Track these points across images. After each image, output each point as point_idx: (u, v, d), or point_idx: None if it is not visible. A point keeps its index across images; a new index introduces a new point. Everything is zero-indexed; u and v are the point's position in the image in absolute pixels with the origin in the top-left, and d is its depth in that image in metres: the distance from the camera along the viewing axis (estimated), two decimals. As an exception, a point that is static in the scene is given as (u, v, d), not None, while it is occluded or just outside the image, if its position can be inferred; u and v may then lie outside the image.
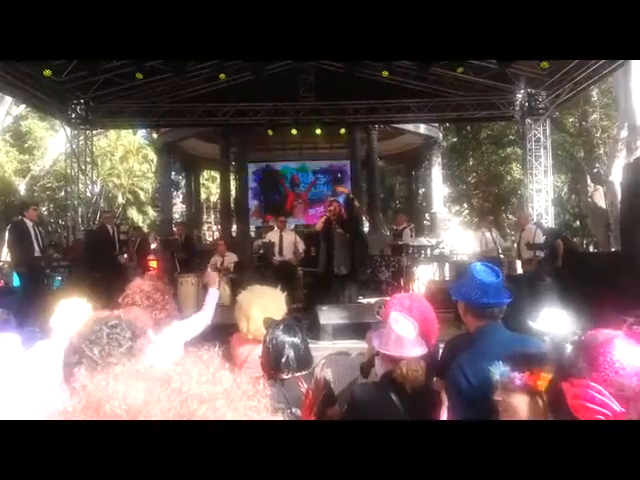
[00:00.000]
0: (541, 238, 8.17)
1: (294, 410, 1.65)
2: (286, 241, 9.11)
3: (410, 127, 14.43)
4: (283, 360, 2.32)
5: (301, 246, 9.10)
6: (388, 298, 3.45)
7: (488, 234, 9.57)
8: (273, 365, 2.34)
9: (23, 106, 16.22)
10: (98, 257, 8.69)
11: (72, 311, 2.66)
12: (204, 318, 3.20)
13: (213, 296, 3.41)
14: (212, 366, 0.62)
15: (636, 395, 0.71)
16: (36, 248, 7.59)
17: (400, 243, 9.47)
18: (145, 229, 18.67)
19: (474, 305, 2.22)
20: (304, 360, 2.40)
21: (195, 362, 0.62)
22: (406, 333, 2.37)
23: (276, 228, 9.47)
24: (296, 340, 2.39)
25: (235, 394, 0.59)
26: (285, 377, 2.32)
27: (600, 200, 13.31)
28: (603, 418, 0.73)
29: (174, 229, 12.90)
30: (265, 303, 2.99)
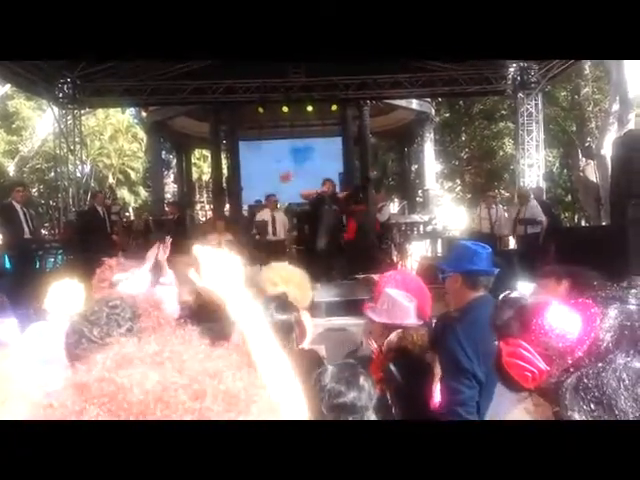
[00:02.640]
0: (537, 214, 8.14)
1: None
2: (278, 220, 9.11)
3: (402, 103, 14.31)
4: (280, 335, 2.37)
5: (286, 226, 9.17)
6: (375, 276, 3.49)
7: (493, 210, 9.24)
8: None
9: (9, 85, 15.90)
10: (90, 238, 8.66)
11: (65, 293, 2.67)
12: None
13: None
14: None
15: (560, 356, 0.80)
16: (26, 230, 7.54)
17: (386, 222, 9.47)
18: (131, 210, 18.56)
19: (469, 274, 2.28)
20: (301, 335, 2.46)
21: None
22: (408, 303, 2.43)
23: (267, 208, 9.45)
24: (291, 317, 2.43)
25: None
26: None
27: (591, 174, 13.34)
28: (530, 375, 0.83)
29: (166, 209, 12.84)
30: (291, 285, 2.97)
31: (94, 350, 1.02)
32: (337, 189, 8.86)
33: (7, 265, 8.14)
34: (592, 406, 0.72)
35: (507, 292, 1.17)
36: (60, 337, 2.22)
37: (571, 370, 0.77)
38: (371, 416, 1.52)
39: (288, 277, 3.04)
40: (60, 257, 8.92)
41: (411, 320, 2.42)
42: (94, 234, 8.76)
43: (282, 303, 2.56)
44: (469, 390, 2.10)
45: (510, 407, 1.02)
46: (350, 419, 1.49)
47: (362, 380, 1.60)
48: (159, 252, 3.33)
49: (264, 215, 9.20)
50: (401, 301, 2.44)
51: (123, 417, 0.49)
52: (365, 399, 1.55)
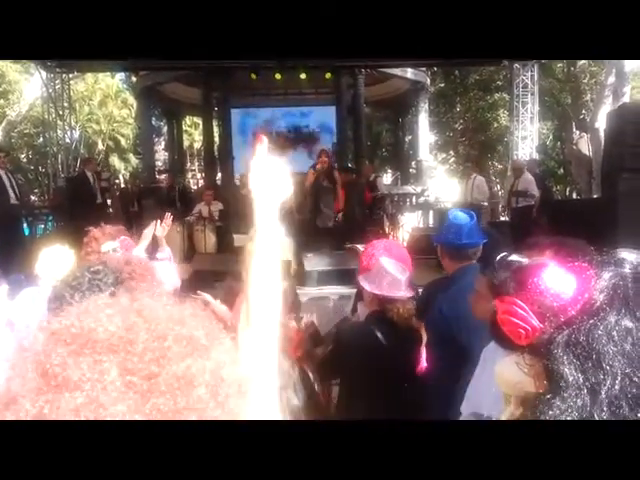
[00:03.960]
0: (531, 187, 8.14)
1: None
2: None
3: (397, 72, 14.08)
4: None
5: None
6: (360, 246, 3.50)
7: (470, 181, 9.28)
8: None
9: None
10: (79, 205, 8.58)
11: (55, 258, 2.67)
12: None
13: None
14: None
15: (553, 314, 0.82)
16: (12, 196, 7.42)
17: (379, 195, 9.40)
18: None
19: (450, 246, 2.34)
20: (292, 304, 2.48)
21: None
22: (400, 274, 2.44)
23: None
24: (284, 284, 2.45)
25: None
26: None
27: (584, 147, 13.33)
28: (523, 332, 0.85)
29: (157, 177, 12.71)
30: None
31: None
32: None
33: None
34: (581, 360, 0.75)
35: (504, 254, 1.20)
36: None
37: (563, 327, 0.80)
38: (289, 397, 1.50)
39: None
40: (50, 223, 8.86)
41: (402, 293, 2.43)
42: (84, 200, 8.67)
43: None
44: (451, 357, 2.15)
45: (501, 361, 1.04)
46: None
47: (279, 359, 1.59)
48: (156, 229, 3.33)
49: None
50: (393, 272, 2.45)
51: (88, 356, 0.51)
52: (281, 378, 1.54)
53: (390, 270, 2.45)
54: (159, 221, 3.36)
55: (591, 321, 0.77)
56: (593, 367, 0.74)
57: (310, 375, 2.28)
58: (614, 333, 0.75)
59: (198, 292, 2.91)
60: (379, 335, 2.38)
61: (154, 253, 3.30)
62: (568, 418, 0.73)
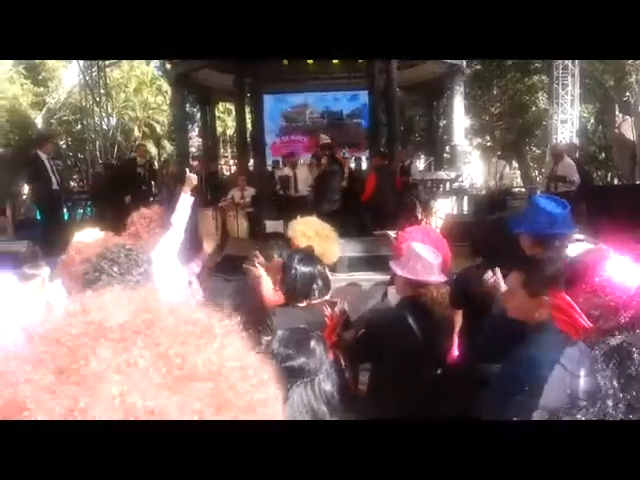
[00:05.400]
0: (571, 173, 7.88)
1: (318, 333, 1.74)
2: (300, 177, 9.03)
3: (432, 54, 13.79)
4: (314, 287, 2.42)
5: (309, 182, 9.05)
6: (391, 232, 3.47)
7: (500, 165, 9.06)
8: (294, 292, 2.44)
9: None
10: (121, 191, 8.75)
11: (91, 241, 2.74)
12: (171, 233, 2.92)
13: (182, 203, 3.05)
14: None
15: (605, 314, 0.76)
16: (54, 181, 7.67)
17: (412, 180, 9.26)
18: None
19: (540, 236, 2.24)
20: (324, 287, 2.49)
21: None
22: (433, 259, 2.42)
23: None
24: (316, 269, 2.46)
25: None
26: (305, 303, 2.42)
27: (628, 131, 12.81)
28: (573, 329, 0.83)
29: (192, 163, 12.87)
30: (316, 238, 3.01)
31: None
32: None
33: (37, 216, 8.36)
34: (619, 370, 0.66)
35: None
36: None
37: (618, 330, 0.71)
38: (322, 381, 1.50)
39: (319, 231, 3.08)
40: (89, 208, 9.10)
41: (434, 277, 2.40)
42: (126, 186, 8.82)
43: (307, 255, 2.59)
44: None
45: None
46: (298, 383, 1.47)
47: (313, 344, 1.57)
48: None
49: (287, 171, 9.17)
50: (426, 257, 2.42)
51: (89, 340, 0.50)
52: (315, 363, 1.52)
53: (422, 254, 2.43)
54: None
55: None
56: (632, 381, 0.64)
57: (342, 361, 2.29)
58: None
59: (256, 257, 2.90)
60: (411, 320, 2.36)
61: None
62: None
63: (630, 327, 0.69)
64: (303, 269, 2.44)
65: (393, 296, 2.72)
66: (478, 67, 19.38)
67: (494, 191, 8.64)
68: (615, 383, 0.65)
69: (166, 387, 0.49)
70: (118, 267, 1.45)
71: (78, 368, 0.48)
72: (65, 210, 8.54)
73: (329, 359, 1.59)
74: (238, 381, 0.53)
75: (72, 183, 15.99)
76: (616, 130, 13.51)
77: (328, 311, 2.33)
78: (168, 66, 18.13)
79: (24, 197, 9.70)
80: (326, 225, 3.20)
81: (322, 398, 1.46)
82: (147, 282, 1.46)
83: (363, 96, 14.58)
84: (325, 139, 8.39)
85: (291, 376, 1.46)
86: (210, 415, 0.49)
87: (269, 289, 2.81)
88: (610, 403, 0.64)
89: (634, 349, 0.65)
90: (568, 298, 0.82)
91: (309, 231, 3.07)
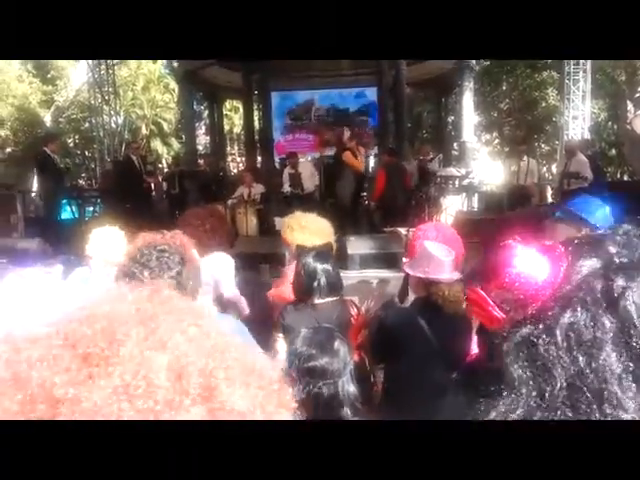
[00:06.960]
0: (583, 169, 7.81)
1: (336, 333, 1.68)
2: (304, 175, 9.01)
3: (441, 50, 13.69)
4: (315, 285, 2.37)
5: (316, 179, 9.05)
6: (402, 229, 3.43)
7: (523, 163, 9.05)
8: (305, 290, 2.40)
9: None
10: (127, 188, 8.78)
11: (106, 239, 2.71)
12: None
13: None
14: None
15: (516, 307, 0.77)
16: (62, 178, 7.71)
17: (438, 175, 9.30)
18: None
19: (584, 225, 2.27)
20: (335, 286, 2.45)
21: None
22: (444, 257, 2.36)
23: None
24: (328, 266, 2.42)
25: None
26: (316, 302, 2.38)
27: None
28: (487, 321, 0.89)
29: (199, 161, 12.87)
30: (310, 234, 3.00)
31: None
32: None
33: (48, 213, 8.37)
34: (529, 361, 0.68)
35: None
36: (102, 281, 2.26)
37: (526, 321, 0.70)
38: (345, 383, 1.45)
39: (305, 225, 3.05)
40: (99, 206, 9.11)
41: (446, 275, 2.34)
42: (131, 183, 8.86)
43: (318, 254, 2.54)
44: None
45: None
46: (320, 384, 1.44)
47: (337, 344, 1.53)
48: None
49: (290, 170, 9.16)
50: (437, 255, 2.37)
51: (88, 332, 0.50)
52: (338, 364, 1.48)
53: (433, 252, 2.37)
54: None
55: (548, 321, 0.66)
56: (541, 370, 0.66)
57: (367, 362, 2.25)
58: (573, 333, 0.64)
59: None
60: (423, 320, 2.32)
61: None
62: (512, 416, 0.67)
63: (537, 319, 0.70)
64: (310, 267, 2.41)
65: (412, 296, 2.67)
66: (487, 63, 19.24)
67: (520, 187, 8.71)
68: (529, 373, 0.68)
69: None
70: (149, 271, 1.41)
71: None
72: (75, 208, 8.55)
73: (353, 360, 1.54)
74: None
75: (80, 181, 16.05)
76: (628, 126, 13.35)
77: (354, 310, 2.29)
78: (175, 64, 18.14)
79: (33, 194, 9.73)
80: (317, 219, 3.20)
81: (346, 400, 1.41)
82: (178, 287, 1.41)
83: (370, 93, 14.51)
84: (348, 132, 8.39)
85: (313, 377, 1.42)
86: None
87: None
88: (524, 391, 0.68)
89: (539, 340, 0.67)
90: (482, 292, 0.85)
91: (293, 224, 3.12)
